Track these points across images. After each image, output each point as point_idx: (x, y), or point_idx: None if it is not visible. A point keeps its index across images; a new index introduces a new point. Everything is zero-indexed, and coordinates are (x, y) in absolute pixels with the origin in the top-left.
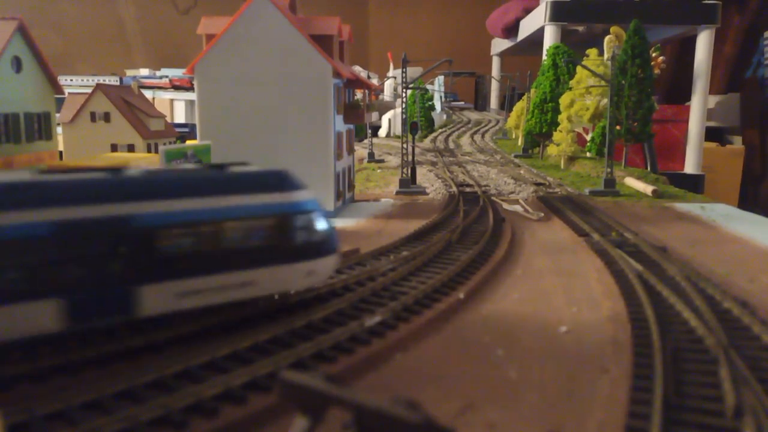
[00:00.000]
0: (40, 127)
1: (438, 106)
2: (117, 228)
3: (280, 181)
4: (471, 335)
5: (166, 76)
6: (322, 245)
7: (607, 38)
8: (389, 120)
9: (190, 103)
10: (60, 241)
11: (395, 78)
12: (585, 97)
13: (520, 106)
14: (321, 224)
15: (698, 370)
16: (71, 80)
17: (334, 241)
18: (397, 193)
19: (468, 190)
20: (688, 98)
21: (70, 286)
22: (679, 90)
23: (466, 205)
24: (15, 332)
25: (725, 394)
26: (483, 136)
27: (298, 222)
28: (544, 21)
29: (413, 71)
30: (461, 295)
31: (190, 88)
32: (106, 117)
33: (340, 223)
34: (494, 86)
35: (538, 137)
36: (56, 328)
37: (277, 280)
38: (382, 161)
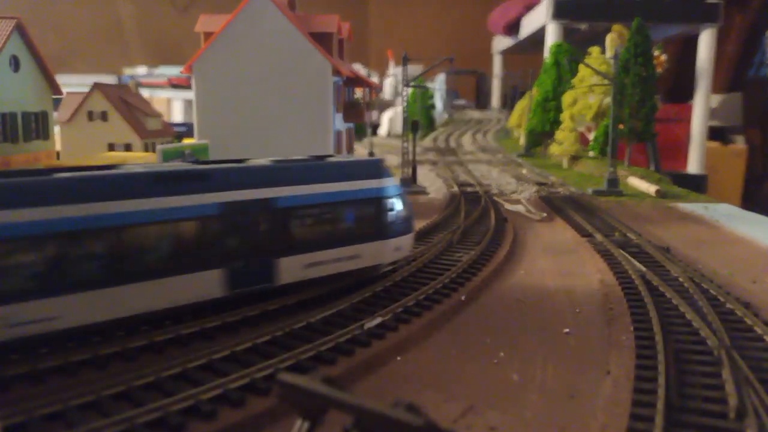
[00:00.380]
0: (38, 126)
1: (439, 105)
2: (264, 208)
3: (376, 169)
4: (472, 336)
5: (164, 75)
6: (406, 224)
7: (609, 36)
8: (389, 118)
9: (188, 102)
10: (224, 220)
11: (396, 76)
12: (588, 95)
13: (521, 104)
14: (405, 207)
15: (701, 372)
16: (69, 79)
17: (413, 222)
18: None
19: (469, 189)
20: (691, 97)
21: (230, 258)
22: (681, 89)
23: (467, 204)
24: (190, 298)
25: (728, 395)
26: (485, 135)
27: (390, 204)
28: (546, 19)
29: (414, 69)
30: (462, 297)
31: (189, 87)
32: (104, 116)
33: None
34: (496, 84)
35: (541, 136)
36: (219, 294)
37: (376, 253)
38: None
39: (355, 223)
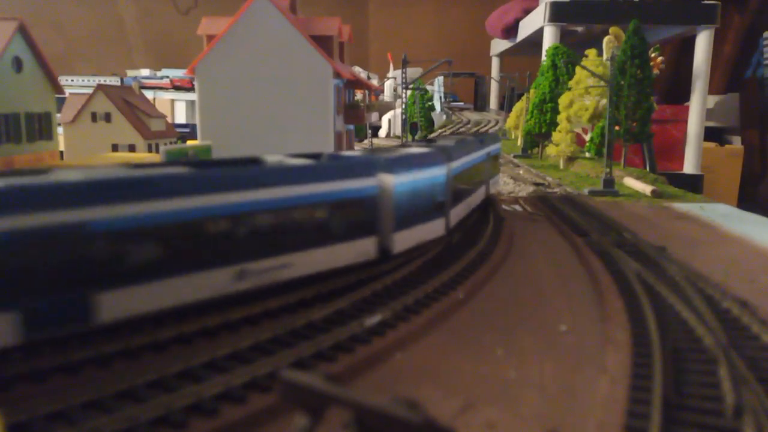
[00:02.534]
0: (41, 127)
1: (438, 106)
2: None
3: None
4: (470, 334)
5: (167, 77)
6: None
7: (606, 39)
8: (389, 120)
9: (190, 104)
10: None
11: (395, 78)
12: (584, 97)
13: (519, 106)
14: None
15: (697, 370)
16: (72, 80)
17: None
18: None
19: None
20: (688, 98)
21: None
22: (678, 90)
23: None
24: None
25: (725, 393)
26: None
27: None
28: (544, 21)
29: (413, 72)
30: (461, 295)
31: (191, 89)
32: (107, 117)
33: None
34: (494, 87)
35: (538, 137)
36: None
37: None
38: None
39: None
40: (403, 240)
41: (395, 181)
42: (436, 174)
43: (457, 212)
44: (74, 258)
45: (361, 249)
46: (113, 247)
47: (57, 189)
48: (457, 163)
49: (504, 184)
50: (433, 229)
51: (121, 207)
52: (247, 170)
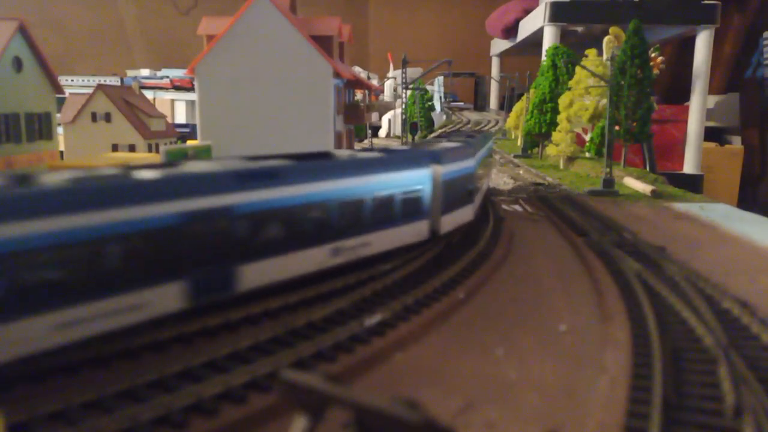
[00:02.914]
0: (41, 127)
1: (438, 106)
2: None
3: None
4: (471, 334)
5: (167, 77)
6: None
7: (606, 39)
8: (389, 120)
9: (190, 104)
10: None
11: (395, 78)
12: (584, 97)
13: (519, 106)
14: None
15: (697, 370)
16: (72, 80)
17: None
18: None
19: None
20: (688, 98)
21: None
22: (678, 90)
23: None
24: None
25: (725, 393)
26: None
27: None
28: (544, 21)
29: (413, 72)
30: (461, 295)
31: (191, 89)
32: (107, 117)
33: None
34: (494, 87)
35: (538, 137)
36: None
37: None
38: None
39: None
40: (448, 223)
41: (443, 171)
42: (468, 165)
43: (479, 199)
44: (224, 236)
45: (418, 230)
46: (250, 228)
47: (211, 178)
48: (479, 156)
49: (504, 184)
50: (466, 214)
51: (255, 193)
52: (341, 161)
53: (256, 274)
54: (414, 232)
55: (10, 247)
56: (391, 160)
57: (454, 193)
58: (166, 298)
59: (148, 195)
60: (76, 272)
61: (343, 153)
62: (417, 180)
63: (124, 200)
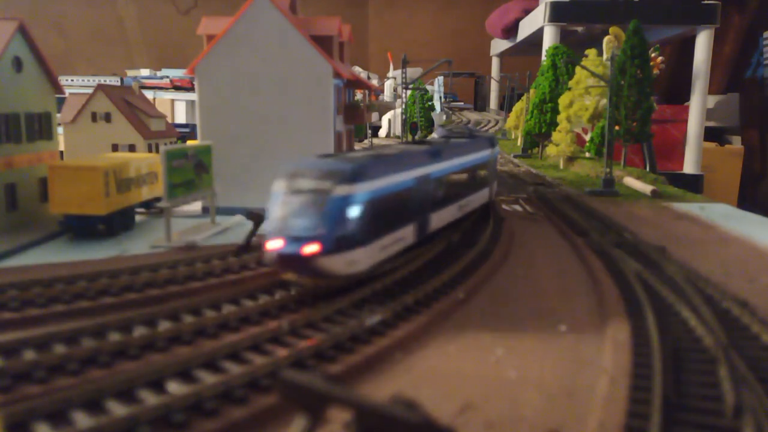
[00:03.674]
0: (41, 127)
1: (438, 106)
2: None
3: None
4: (471, 334)
5: (167, 77)
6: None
7: (606, 38)
8: (389, 120)
9: (190, 104)
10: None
11: (395, 78)
12: (584, 97)
13: (519, 106)
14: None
15: (697, 370)
16: (72, 80)
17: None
18: None
19: None
20: (688, 98)
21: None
22: (678, 90)
23: None
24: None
25: (725, 393)
26: None
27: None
28: (544, 21)
29: (413, 72)
30: (461, 295)
31: (191, 89)
32: (107, 117)
33: None
34: (494, 87)
35: (538, 137)
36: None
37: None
38: None
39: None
40: (494, 192)
41: (496, 151)
42: (496, 151)
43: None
44: (426, 193)
45: (485, 196)
46: (434, 188)
47: (421, 154)
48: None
49: (504, 184)
50: (492, 193)
51: (438, 165)
52: (458, 143)
53: (435, 221)
54: (483, 197)
55: (377, 194)
56: (476, 143)
57: (493, 171)
58: (409, 234)
59: (410, 165)
60: (386, 214)
61: (454, 137)
62: (486, 158)
63: (407, 167)
